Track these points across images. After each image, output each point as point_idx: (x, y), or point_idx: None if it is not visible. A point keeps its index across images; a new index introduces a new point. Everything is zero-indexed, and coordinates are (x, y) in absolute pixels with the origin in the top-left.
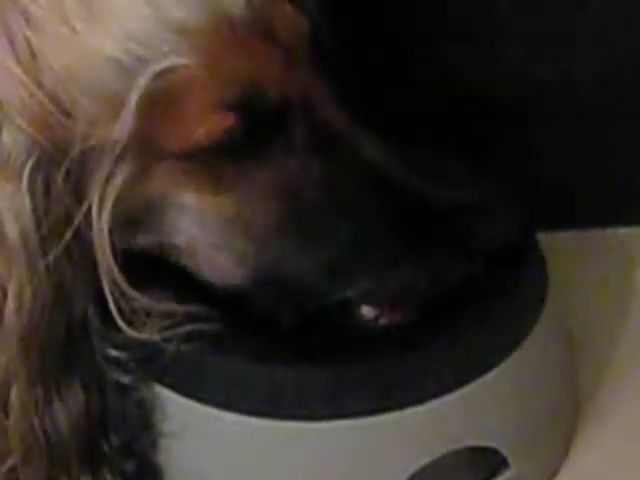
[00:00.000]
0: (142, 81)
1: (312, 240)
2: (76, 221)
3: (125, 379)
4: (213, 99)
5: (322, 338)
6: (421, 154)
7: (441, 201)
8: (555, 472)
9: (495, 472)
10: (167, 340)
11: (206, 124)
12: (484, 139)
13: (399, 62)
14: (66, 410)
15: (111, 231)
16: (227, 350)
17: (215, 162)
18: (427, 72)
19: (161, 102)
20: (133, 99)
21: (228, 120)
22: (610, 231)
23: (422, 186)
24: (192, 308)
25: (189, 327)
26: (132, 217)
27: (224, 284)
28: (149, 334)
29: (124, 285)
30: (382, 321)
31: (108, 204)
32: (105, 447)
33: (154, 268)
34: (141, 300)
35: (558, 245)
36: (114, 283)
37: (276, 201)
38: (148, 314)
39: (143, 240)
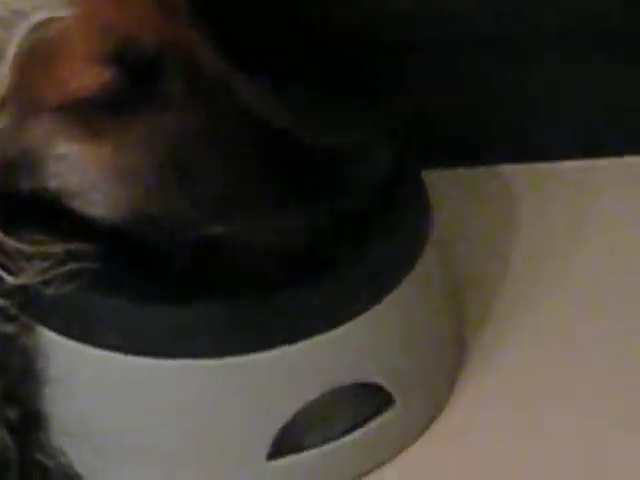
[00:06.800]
0: (18, 33)
1: (188, 183)
2: None
3: (8, 328)
4: (89, 52)
5: (204, 278)
6: (303, 94)
7: (319, 144)
8: (440, 409)
9: (380, 409)
10: (48, 282)
11: (82, 78)
12: (371, 77)
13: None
14: None
15: None
16: (111, 291)
17: (93, 114)
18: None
19: (38, 55)
20: (10, 51)
21: (104, 74)
22: (491, 168)
23: (300, 130)
24: (70, 246)
25: (69, 267)
26: (11, 163)
27: (104, 220)
28: (28, 278)
29: None
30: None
31: None
32: None
33: (31, 207)
34: (12, 244)
35: (443, 183)
36: None
37: (153, 149)
38: (28, 258)
39: (23, 184)
